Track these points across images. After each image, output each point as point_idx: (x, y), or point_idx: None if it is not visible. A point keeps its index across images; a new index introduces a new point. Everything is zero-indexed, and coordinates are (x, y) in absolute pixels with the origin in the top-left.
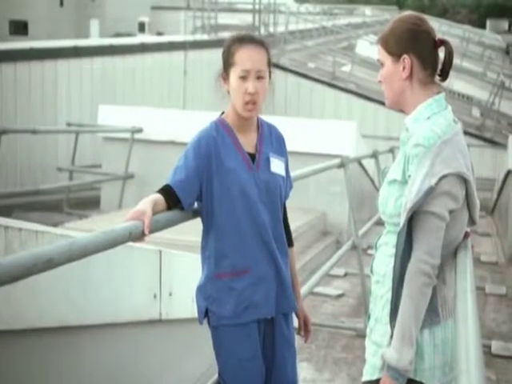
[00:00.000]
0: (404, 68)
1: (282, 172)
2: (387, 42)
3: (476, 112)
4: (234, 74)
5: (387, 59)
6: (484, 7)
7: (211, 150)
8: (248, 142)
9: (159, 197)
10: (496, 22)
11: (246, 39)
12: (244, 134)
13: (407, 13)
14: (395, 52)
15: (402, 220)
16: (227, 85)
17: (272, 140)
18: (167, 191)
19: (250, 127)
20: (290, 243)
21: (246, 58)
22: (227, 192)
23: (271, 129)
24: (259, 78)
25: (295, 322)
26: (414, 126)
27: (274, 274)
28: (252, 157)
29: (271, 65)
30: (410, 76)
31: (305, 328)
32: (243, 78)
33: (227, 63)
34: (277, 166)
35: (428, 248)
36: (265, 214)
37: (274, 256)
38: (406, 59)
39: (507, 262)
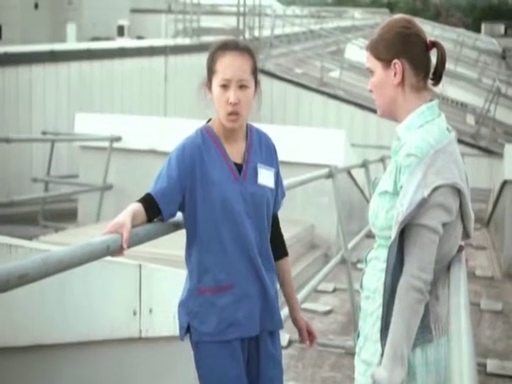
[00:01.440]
0: (395, 74)
1: (271, 183)
2: (376, 48)
3: (470, 119)
4: (216, 83)
5: (377, 66)
6: (479, 10)
7: (195, 159)
8: (235, 151)
9: (139, 207)
10: (491, 25)
11: (229, 46)
12: (231, 143)
13: (396, 16)
14: (385, 58)
15: (394, 233)
16: (211, 93)
17: (261, 149)
18: (148, 200)
19: (238, 136)
20: (284, 253)
21: (228, 65)
22: (211, 204)
23: (261, 137)
24: (242, 87)
25: (285, 339)
26: (405, 134)
27: (258, 290)
28: (239, 167)
29: (257, 73)
30: (402, 82)
31: (309, 336)
32: (224, 86)
33: (210, 71)
34: (265, 177)
35: (420, 263)
36: (250, 228)
37: (259, 272)
38: (397, 64)
39: (503, 277)
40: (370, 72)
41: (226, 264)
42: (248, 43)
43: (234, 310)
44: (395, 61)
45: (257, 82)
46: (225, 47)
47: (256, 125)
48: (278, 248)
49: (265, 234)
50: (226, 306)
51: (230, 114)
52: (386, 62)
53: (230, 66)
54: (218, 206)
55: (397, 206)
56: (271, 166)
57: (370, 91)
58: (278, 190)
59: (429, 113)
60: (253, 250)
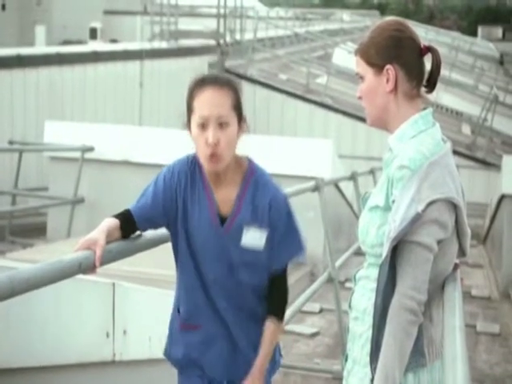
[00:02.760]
0: (388, 80)
1: (259, 245)
2: (367, 53)
3: (466, 129)
4: (194, 122)
5: (368, 72)
6: (475, 12)
7: (180, 188)
8: (223, 198)
9: (115, 223)
10: (488, 28)
11: (207, 81)
12: (219, 187)
13: (388, 19)
14: (377, 63)
15: (385, 250)
16: (191, 134)
17: (255, 204)
18: (125, 217)
19: (227, 181)
20: (270, 311)
21: (204, 102)
22: (185, 240)
23: (259, 189)
24: (222, 125)
25: None
26: (398, 145)
27: (225, 339)
28: (223, 218)
29: (241, 107)
30: (395, 89)
31: None
32: (202, 126)
33: (188, 109)
34: (252, 238)
35: (414, 282)
36: (220, 283)
37: (225, 322)
38: (390, 70)
39: (501, 297)
40: (360, 78)
41: (194, 304)
42: (229, 77)
43: (199, 350)
44: (388, 66)
45: (241, 118)
46: (202, 82)
47: None
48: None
49: (241, 288)
50: (191, 346)
51: (210, 155)
52: (378, 68)
53: (207, 102)
54: (192, 247)
55: (389, 222)
56: (263, 225)
57: (359, 98)
58: (281, 250)
59: (422, 122)
60: (221, 301)
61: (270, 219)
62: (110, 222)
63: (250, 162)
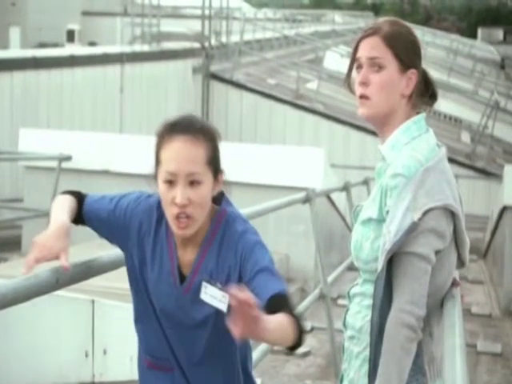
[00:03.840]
0: (408, 84)
1: (219, 304)
2: (395, 44)
3: (466, 137)
4: (160, 177)
5: (392, 64)
6: (475, 13)
7: (140, 233)
8: (186, 253)
9: (74, 207)
10: (489, 30)
11: (177, 127)
12: (185, 241)
13: (394, 19)
14: (405, 60)
15: (380, 263)
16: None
17: (221, 256)
18: (80, 202)
19: (196, 236)
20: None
21: (173, 156)
22: (144, 291)
23: (228, 237)
24: (192, 183)
25: None
26: (391, 153)
27: None
28: (183, 274)
29: (219, 161)
30: (410, 96)
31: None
32: (170, 182)
33: (156, 159)
34: (210, 296)
35: (411, 296)
36: (176, 332)
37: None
38: (414, 75)
39: (502, 315)
40: (378, 65)
41: (154, 343)
42: (205, 123)
43: None
44: (413, 70)
45: (218, 172)
46: (172, 130)
47: (221, 144)
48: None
49: (201, 343)
50: None
51: (178, 217)
52: (403, 66)
53: (176, 156)
54: (151, 300)
55: (383, 233)
56: (229, 279)
57: (363, 84)
58: (248, 287)
59: (416, 128)
60: (177, 356)
61: (240, 273)
62: (71, 207)
63: (220, 212)
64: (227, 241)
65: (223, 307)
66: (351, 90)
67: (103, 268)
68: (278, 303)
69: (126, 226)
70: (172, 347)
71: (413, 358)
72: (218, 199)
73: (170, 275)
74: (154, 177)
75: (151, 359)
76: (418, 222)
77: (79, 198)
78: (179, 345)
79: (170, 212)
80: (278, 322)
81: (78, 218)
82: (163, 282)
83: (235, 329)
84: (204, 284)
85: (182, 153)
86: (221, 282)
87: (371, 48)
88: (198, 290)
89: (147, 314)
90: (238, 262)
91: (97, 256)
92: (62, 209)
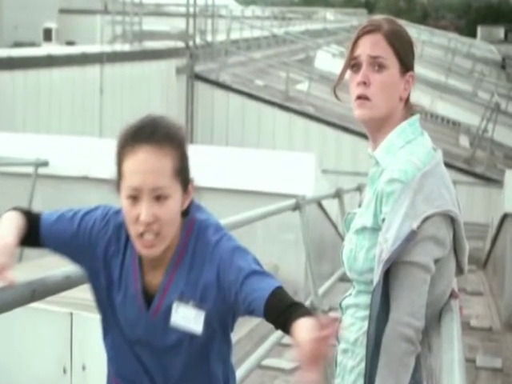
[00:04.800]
0: (406, 87)
1: (193, 325)
2: (398, 44)
3: (464, 141)
4: (123, 192)
5: (394, 64)
6: (474, 11)
7: (107, 252)
8: (156, 274)
9: (22, 228)
10: (489, 28)
11: (139, 136)
12: (152, 260)
13: (389, 17)
14: (406, 62)
15: (377, 274)
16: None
17: (194, 273)
18: (33, 223)
19: (163, 254)
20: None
21: (136, 168)
22: (111, 314)
23: (200, 249)
24: (159, 198)
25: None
26: (385, 158)
27: None
28: (150, 296)
29: (188, 170)
30: (406, 99)
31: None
32: (133, 198)
33: (117, 172)
34: (183, 317)
35: (410, 307)
36: (148, 354)
37: None
38: (411, 78)
39: (503, 328)
40: (376, 63)
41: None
42: (173, 127)
43: None
44: (411, 73)
45: (188, 183)
46: (134, 138)
47: (208, 147)
48: (279, 318)
49: (177, 367)
50: None
51: (142, 234)
52: (404, 68)
53: (140, 168)
54: (120, 325)
55: (379, 243)
56: (205, 297)
57: (364, 83)
58: (238, 299)
59: (411, 130)
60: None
61: (223, 285)
62: (20, 227)
63: (188, 222)
64: (200, 254)
65: (198, 328)
66: (337, 96)
67: (82, 279)
68: (278, 303)
69: (92, 247)
70: (146, 371)
71: (411, 372)
72: (186, 206)
73: (135, 299)
74: (117, 191)
75: (122, 383)
76: (417, 230)
77: (30, 217)
78: (153, 369)
79: (134, 230)
80: (309, 327)
81: (30, 239)
82: (129, 307)
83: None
84: (175, 304)
85: (146, 165)
86: (195, 300)
87: (373, 46)
88: (167, 313)
89: (117, 336)
90: (216, 277)
91: (75, 266)
92: (8, 228)
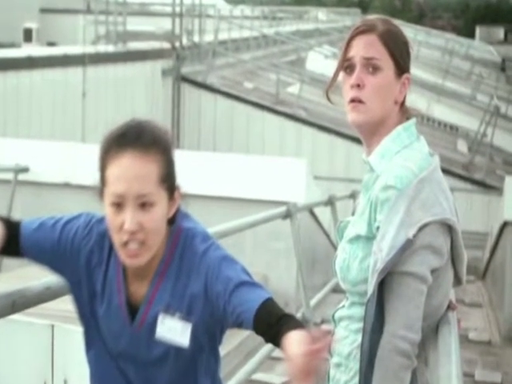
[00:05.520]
0: (401, 90)
1: (179, 338)
2: (393, 44)
3: (462, 146)
4: (106, 199)
5: (389, 66)
6: (473, 11)
7: (90, 261)
8: (141, 285)
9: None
10: (488, 29)
11: (124, 141)
12: (137, 271)
13: (387, 18)
14: (401, 63)
15: (372, 285)
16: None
17: (180, 283)
18: (12, 232)
19: (148, 265)
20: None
21: (120, 174)
22: (95, 327)
23: (187, 259)
24: (144, 205)
25: None
26: (380, 163)
27: None
28: (135, 307)
29: (173, 176)
30: (402, 103)
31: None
32: (117, 205)
33: (101, 179)
34: (168, 329)
35: (406, 319)
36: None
37: None
38: (407, 80)
39: (503, 341)
40: (371, 65)
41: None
42: (158, 131)
43: None
44: (407, 75)
45: (174, 189)
46: (119, 143)
47: (194, 153)
48: (269, 331)
49: (162, 380)
50: None
51: (126, 243)
52: (399, 70)
53: (124, 174)
54: (103, 338)
55: (374, 252)
56: (192, 308)
57: (357, 86)
58: (227, 311)
59: (406, 135)
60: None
61: (211, 296)
62: None
63: (175, 231)
64: (187, 264)
65: (184, 341)
66: (330, 99)
67: (63, 290)
68: (268, 315)
69: (74, 257)
70: None
71: None
72: (172, 215)
73: (119, 311)
74: (100, 198)
75: None
76: (413, 239)
77: (10, 225)
78: (138, 383)
79: (117, 239)
80: (300, 340)
81: (10, 248)
82: (113, 319)
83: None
84: (161, 316)
85: (131, 171)
86: (181, 312)
87: (368, 47)
88: (153, 324)
89: (100, 350)
90: (203, 288)
91: (56, 277)
92: None
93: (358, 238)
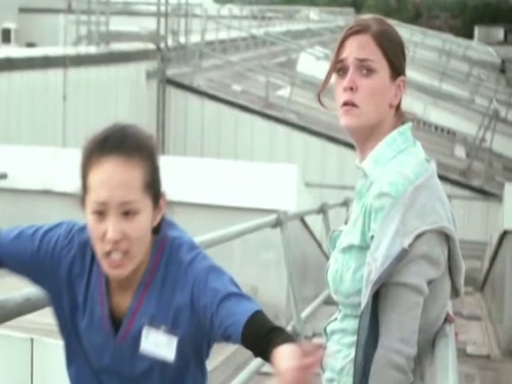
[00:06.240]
0: (397, 93)
1: (164, 352)
2: (387, 45)
3: (460, 151)
4: (88, 207)
5: (384, 68)
6: (471, 10)
7: (71, 271)
8: (125, 296)
9: None
10: (487, 29)
11: (107, 146)
12: (120, 282)
13: (381, 17)
14: (396, 64)
15: (365, 297)
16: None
17: (165, 295)
18: None
19: (132, 275)
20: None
21: (102, 181)
22: (76, 340)
23: (172, 270)
24: (127, 213)
25: None
26: (374, 170)
27: None
28: (118, 320)
29: (157, 184)
30: (397, 106)
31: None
32: (100, 213)
33: (82, 185)
34: (154, 343)
35: (401, 333)
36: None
37: None
38: (403, 83)
39: (502, 355)
40: (365, 67)
41: None
42: (143, 136)
43: None
44: (402, 77)
45: (159, 197)
46: (101, 148)
47: (181, 158)
48: (258, 345)
49: None
50: None
51: (109, 253)
52: (394, 72)
53: (107, 181)
54: (84, 349)
55: (368, 262)
56: (177, 321)
57: (350, 89)
58: (214, 323)
59: (402, 140)
60: None
61: (197, 308)
62: None
63: (160, 240)
64: (172, 275)
65: (169, 356)
66: (322, 103)
67: (43, 302)
68: (257, 328)
69: (55, 267)
70: None
71: None
72: (157, 223)
73: (102, 324)
74: (82, 206)
75: None
76: (409, 249)
77: None
78: None
79: (100, 249)
80: (290, 354)
81: None
82: (95, 333)
83: None
84: (145, 329)
85: (114, 177)
86: (166, 324)
87: (361, 48)
88: (137, 338)
89: (81, 364)
90: (189, 299)
91: (36, 288)
92: None
93: (351, 247)
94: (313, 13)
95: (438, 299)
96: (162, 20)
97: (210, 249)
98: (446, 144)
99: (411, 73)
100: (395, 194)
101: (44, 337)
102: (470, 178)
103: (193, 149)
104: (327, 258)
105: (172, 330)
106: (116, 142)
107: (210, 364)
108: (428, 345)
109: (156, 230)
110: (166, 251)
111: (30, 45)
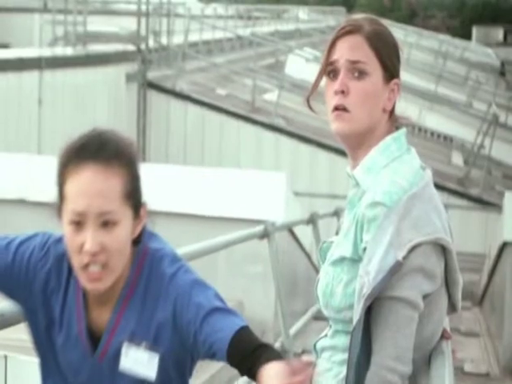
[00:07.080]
0: (390, 97)
1: (145, 369)
2: (380, 46)
3: (458, 158)
4: (65, 216)
5: (377, 71)
6: (469, 9)
7: (47, 285)
8: (103, 311)
9: None
10: (486, 29)
11: (85, 153)
12: (98, 296)
13: (374, 17)
14: (390, 67)
15: (358, 312)
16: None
17: (146, 310)
18: None
19: (111, 289)
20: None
21: (80, 190)
22: (52, 357)
23: (154, 284)
24: (107, 224)
25: None
26: (366, 178)
27: None
28: (97, 337)
29: (137, 193)
30: (391, 111)
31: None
32: (77, 224)
33: (59, 195)
34: (135, 361)
35: (395, 350)
36: None
37: None
38: (397, 86)
39: (502, 374)
40: (356, 69)
41: None
42: (122, 142)
43: None
44: (396, 80)
45: (140, 206)
46: (79, 155)
47: (163, 166)
48: (244, 363)
49: None
50: None
51: (87, 265)
52: (388, 74)
53: (85, 190)
54: (60, 368)
55: (360, 275)
56: (159, 337)
57: (342, 92)
58: (198, 340)
59: (396, 147)
60: None
61: (180, 324)
62: None
63: (141, 252)
64: (153, 289)
65: (151, 374)
66: (311, 108)
67: (17, 317)
68: (243, 345)
69: (29, 280)
70: None
71: None
72: (138, 234)
73: (79, 340)
74: (58, 216)
75: None
76: (403, 261)
77: None
78: None
79: (77, 261)
80: (278, 373)
81: None
82: (72, 350)
83: None
84: (125, 346)
85: (92, 186)
86: (147, 341)
87: (353, 49)
88: (116, 355)
89: (58, 383)
90: (171, 315)
91: (9, 303)
92: None
93: (342, 260)
94: (302, 12)
95: (434, 314)
96: (143, 20)
97: (193, 261)
98: (443, 151)
99: (406, 75)
100: (389, 203)
101: (18, 354)
102: (468, 186)
103: (175, 156)
104: (317, 270)
105: (153, 346)
106: (94, 149)
107: (194, 383)
108: (423, 363)
109: (136, 242)
110: (147, 264)
111: (4, 46)
